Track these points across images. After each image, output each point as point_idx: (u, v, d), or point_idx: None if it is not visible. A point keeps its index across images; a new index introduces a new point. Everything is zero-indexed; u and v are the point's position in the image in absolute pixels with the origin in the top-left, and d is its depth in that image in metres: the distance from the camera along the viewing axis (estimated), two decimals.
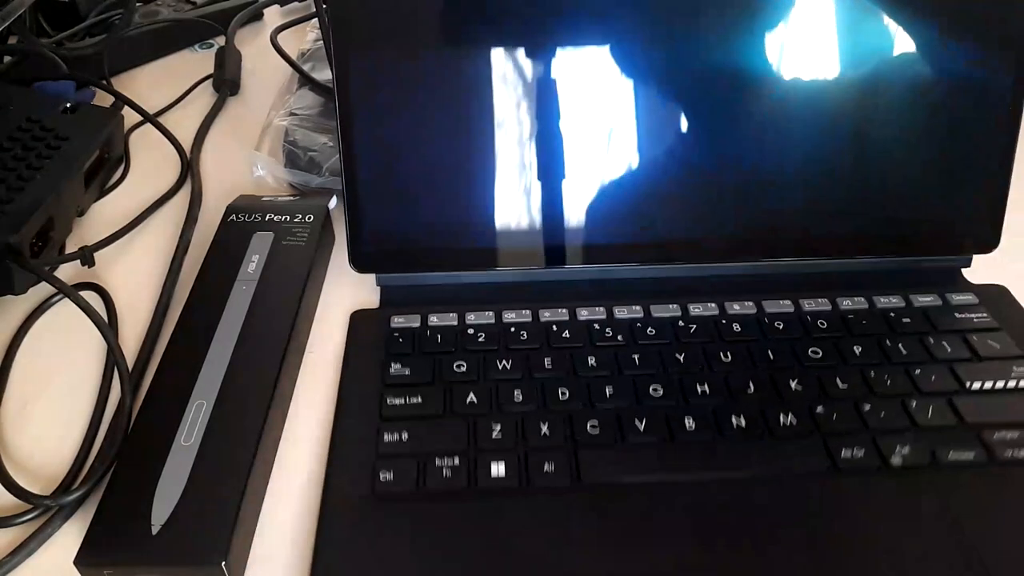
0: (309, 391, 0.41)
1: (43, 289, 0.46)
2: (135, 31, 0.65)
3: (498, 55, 0.42)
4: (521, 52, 0.42)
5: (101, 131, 0.51)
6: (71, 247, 0.49)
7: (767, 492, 0.35)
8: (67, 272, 0.48)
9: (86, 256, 0.47)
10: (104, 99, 0.59)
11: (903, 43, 0.43)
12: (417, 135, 0.43)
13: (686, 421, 0.38)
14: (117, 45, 0.63)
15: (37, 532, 0.35)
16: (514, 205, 0.44)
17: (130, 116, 0.58)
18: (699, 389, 0.39)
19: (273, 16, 0.74)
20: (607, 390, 0.39)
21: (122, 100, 0.58)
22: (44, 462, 0.38)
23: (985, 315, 0.44)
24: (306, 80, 0.59)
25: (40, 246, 0.46)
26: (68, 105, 0.52)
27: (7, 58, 0.60)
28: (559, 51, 0.42)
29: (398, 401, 0.39)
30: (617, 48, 0.42)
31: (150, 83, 0.65)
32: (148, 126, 0.59)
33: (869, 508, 0.35)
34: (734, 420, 0.38)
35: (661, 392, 0.39)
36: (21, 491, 0.36)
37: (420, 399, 0.39)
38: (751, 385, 0.40)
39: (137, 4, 0.68)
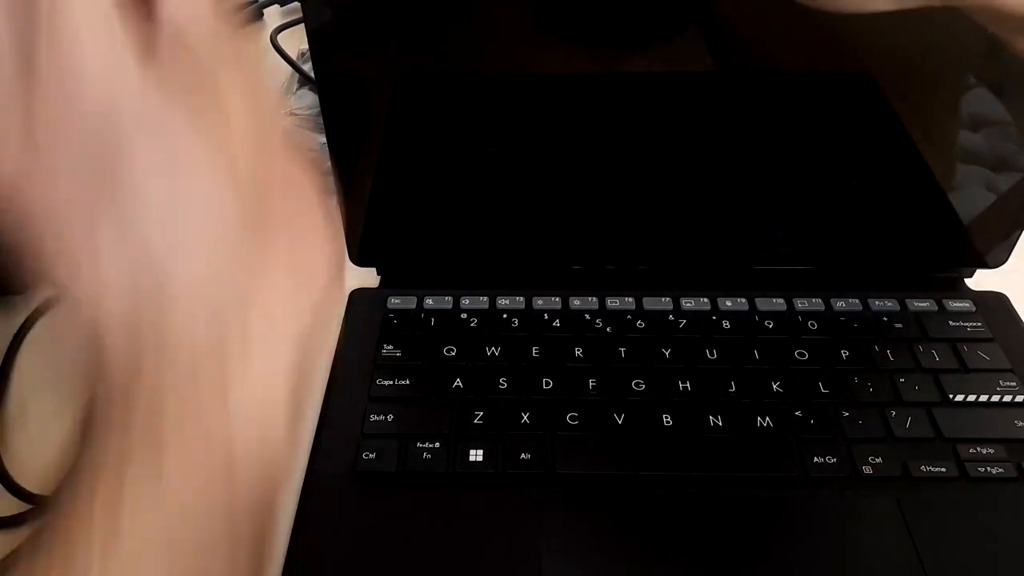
0: (310, 391, 0.41)
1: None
2: None
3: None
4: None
5: None
6: None
7: (735, 494, 0.36)
8: None
9: None
10: None
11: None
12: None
13: (664, 418, 0.38)
14: None
15: None
16: (513, 204, 0.44)
17: None
18: (681, 386, 0.40)
19: (273, 16, 0.73)
20: (590, 382, 0.40)
21: None
22: (44, 462, 0.38)
23: (979, 325, 0.43)
24: (306, 80, 0.59)
25: None
26: None
27: None
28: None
29: (388, 382, 0.40)
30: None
31: None
32: None
33: (831, 517, 0.35)
34: (711, 419, 0.38)
35: (643, 387, 0.40)
36: (21, 491, 0.36)
37: (408, 381, 0.40)
38: (733, 385, 0.40)
39: None
